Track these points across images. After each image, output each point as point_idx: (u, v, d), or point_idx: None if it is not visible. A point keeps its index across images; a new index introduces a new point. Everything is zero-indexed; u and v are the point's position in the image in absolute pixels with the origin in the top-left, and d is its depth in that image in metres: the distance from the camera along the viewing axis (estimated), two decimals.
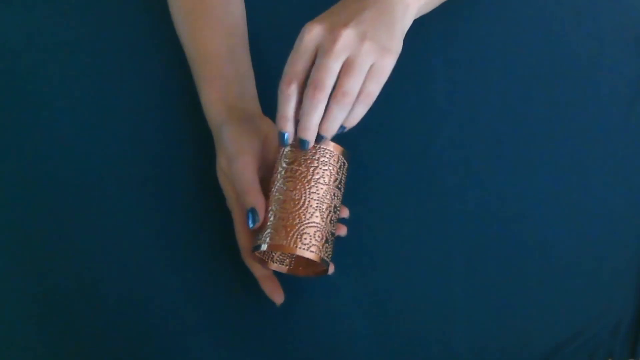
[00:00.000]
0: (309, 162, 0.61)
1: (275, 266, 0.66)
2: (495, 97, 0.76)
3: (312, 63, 0.59)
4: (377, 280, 0.69)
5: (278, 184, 0.62)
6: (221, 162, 0.66)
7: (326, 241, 0.61)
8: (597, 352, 0.68)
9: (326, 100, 0.58)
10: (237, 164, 0.64)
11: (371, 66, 0.59)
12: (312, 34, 0.58)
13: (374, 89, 0.59)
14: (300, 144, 0.60)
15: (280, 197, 0.61)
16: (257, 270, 0.65)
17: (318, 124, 0.59)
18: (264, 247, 0.60)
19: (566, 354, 0.68)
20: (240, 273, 0.68)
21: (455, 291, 0.69)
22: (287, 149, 0.62)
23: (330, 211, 0.61)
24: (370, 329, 0.68)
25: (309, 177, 0.61)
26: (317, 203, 0.60)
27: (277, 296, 0.65)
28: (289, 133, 0.60)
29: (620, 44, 0.79)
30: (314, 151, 0.61)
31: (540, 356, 0.68)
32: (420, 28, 0.67)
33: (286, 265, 0.66)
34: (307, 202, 0.60)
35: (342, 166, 0.63)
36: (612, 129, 0.76)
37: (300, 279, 0.67)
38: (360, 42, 0.58)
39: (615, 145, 0.75)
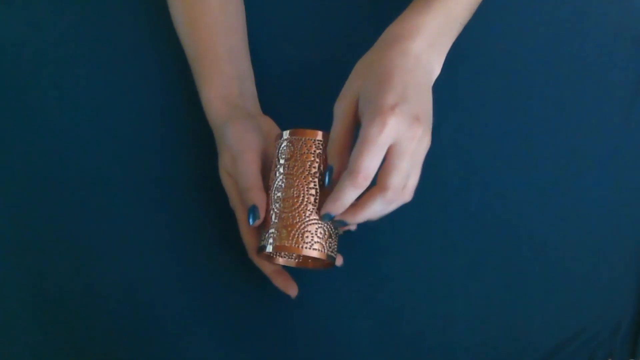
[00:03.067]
0: (304, 157, 0.61)
1: (283, 261, 0.65)
2: (495, 97, 0.76)
3: None
4: (377, 280, 0.69)
5: (276, 182, 0.61)
6: (224, 161, 0.66)
7: (329, 236, 0.61)
8: (597, 352, 0.68)
9: None
10: (241, 161, 0.64)
11: None
12: (394, 128, 0.55)
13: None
14: (338, 223, 0.60)
15: (280, 195, 0.61)
16: (266, 267, 0.65)
17: None
18: (269, 248, 0.60)
19: (566, 354, 0.68)
20: (242, 273, 0.68)
21: (456, 291, 0.69)
22: (284, 144, 0.62)
23: None
24: (370, 329, 0.68)
25: (306, 173, 0.60)
26: (316, 199, 0.60)
27: (291, 289, 0.65)
28: (335, 215, 0.59)
29: (620, 44, 0.79)
30: (309, 144, 0.61)
31: (540, 356, 0.68)
32: None
33: (294, 259, 0.66)
34: (305, 199, 0.60)
35: None
36: (612, 129, 0.75)
37: (301, 278, 0.66)
38: (425, 137, 0.58)
39: (615, 145, 0.75)
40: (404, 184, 0.57)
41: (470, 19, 0.69)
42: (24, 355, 0.66)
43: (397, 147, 0.56)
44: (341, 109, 0.59)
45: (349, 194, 0.57)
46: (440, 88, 0.76)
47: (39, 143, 0.72)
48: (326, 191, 0.60)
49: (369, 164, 0.56)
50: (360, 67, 0.61)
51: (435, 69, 0.63)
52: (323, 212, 0.59)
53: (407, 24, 0.62)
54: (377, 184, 0.57)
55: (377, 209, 0.58)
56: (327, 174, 0.59)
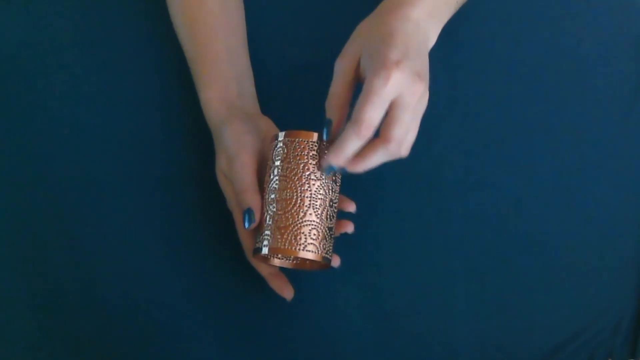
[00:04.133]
0: (298, 158, 0.61)
1: (279, 262, 0.66)
2: (495, 98, 0.76)
3: None
4: (377, 280, 0.69)
5: (271, 184, 0.61)
6: (221, 162, 0.66)
7: (324, 237, 0.61)
8: (597, 352, 0.68)
9: None
10: (237, 163, 0.64)
11: None
12: (397, 81, 0.57)
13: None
14: (338, 170, 0.60)
15: (273, 197, 0.61)
16: (263, 269, 0.66)
17: None
18: (264, 250, 0.60)
19: (566, 354, 0.68)
20: (240, 273, 0.68)
21: (456, 291, 0.69)
22: (279, 145, 0.62)
23: (325, 206, 0.61)
24: (370, 329, 0.68)
25: (300, 174, 0.60)
26: (310, 200, 0.60)
27: (287, 292, 0.65)
28: (338, 167, 0.59)
29: (620, 44, 0.78)
30: (303, 146, 0.61)
31: (540, 356, 0.68)
32: None
33: (291, 260, 0.66)
34: (299, 201, 0.60)
35: None
36: (612, 129, 0.75)
37: (301, 279, 0.67)
38: (425, 95, 0.59)
39: (615, 145, 0.75)
40: (405, 137, 0.59)
41: (472, 18, 0.69)
42: (23, 354, 0.66)
43: (400, 100, 0.58)
44: (342, 66, 0.61)
45: (352, 144, 0.58)
46: (440, 88, 0.76)
47: (38, 143, 0.72)
48: (325, 146, 0.61)
49: (372, 114, 0.57)
50: (362, 29, 0.62)
51: (432, 38, 0.64)
52: (325, 164, 0.59)
53: None
54: (380, 135, 0.58)
55: (378, 160, 0.59)
56: (326, 128, 0.60)
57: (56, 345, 0.66)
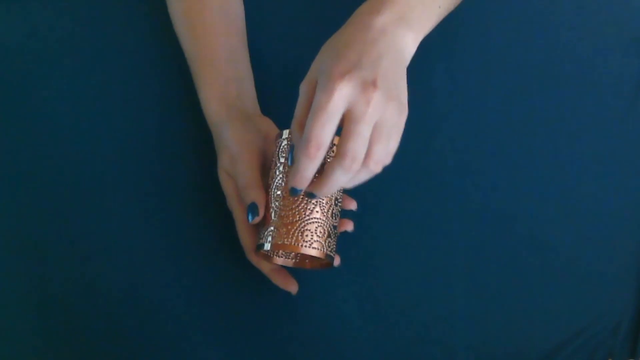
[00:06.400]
0: None
1: (281, 260, 0.65)
2: (495, 97, 0.76)
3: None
4: (376, 280, 0.69)
5: (277, 181, 0.61)
6: (224, 161, 0.66)
7: (329, 235, 0.61)
8: (597, 352, 0.68)
9: None
10: (241, 161, 0.64)
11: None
12: (343, 93, 0.53)
13: (395, 148, 0.57)
14: (309, 195, 0.58)
15: (279, 193, 0.61)
16: (264, 266, 0.65)
17: None
18: (267, 246, 0.60)
19: (566, 354, 0.68)
20: (240, 273, 0.68)
21: (455, 291, 0.69)
22: (285, 143, 0.62)
23: (331, 204, 0.61)
24: (369, 329, 0.68)
25: None
26: (317, 198, 0.60)
27: (292, 286, 0.65)
28: (301, 189, 0.57)
29: (620, 44, 0.79)
30: None
31: (540, 356, 0.68)
32: None
33: (292, 258, 0.66)
34: (306, 198, 0.60)
35: None
36: (612, 129, 0.76)
37: (301, 278, 0.66)
38: (387, 104, 0.55)
39: (615, 145, 0.75)
40: (363, 151, 0.55)
41: (472, 18, 0.69)
42: (25, 354, 0.66)
43: (351, 112, 0.54)
44: (303, 89, 0.58)
45: (305, 165, 0.55)
46: (440, 88, 0.76)
47: (39, 144, 0.72)
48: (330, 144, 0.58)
49: (319, 132, 0.54)
50: (324, 48, 0.59)
51: (408, 45, 0.60)
52: (289, 186, 0.57)
53: (375, 1, 0.60)
54: (335, 152, 0.56)
55: (339, 178, 0.55)
56: (290, 152, 0.59)
57: (57, 345, 0.66)
